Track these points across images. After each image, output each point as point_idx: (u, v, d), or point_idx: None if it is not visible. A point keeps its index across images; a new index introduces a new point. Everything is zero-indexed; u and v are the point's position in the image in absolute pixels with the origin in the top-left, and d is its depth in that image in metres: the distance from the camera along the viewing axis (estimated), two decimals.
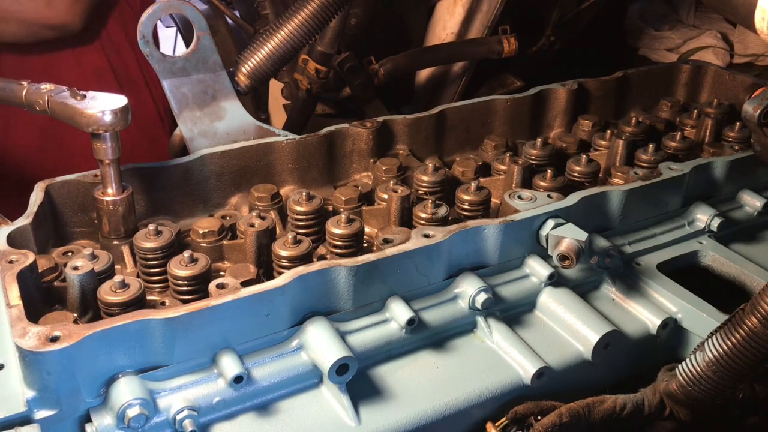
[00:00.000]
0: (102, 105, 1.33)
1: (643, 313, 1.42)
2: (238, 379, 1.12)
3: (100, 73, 2.46)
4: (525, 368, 1.27)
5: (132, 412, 1.06)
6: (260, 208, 1.55)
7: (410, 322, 1.25)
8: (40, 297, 1.27)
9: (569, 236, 1.34)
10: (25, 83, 1.42)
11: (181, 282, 1.27)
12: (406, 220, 1.52)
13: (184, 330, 1.10)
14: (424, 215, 1.44)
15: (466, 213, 1.54)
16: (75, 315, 1.20)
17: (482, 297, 1.30)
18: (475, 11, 2.63)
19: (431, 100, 2.82)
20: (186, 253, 1.27)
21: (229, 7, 2.81)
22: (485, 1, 2.62)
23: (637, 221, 1.56)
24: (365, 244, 1.46)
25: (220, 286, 1.19)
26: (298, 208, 1.47)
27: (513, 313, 1.39)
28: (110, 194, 1.42)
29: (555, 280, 1.40)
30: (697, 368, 1.21)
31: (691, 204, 1.63)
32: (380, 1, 2.60)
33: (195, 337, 1.12)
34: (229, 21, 2.83)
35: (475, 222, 1.35)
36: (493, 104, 1.92)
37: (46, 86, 1.39)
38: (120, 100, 1.35)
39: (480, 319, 1.34)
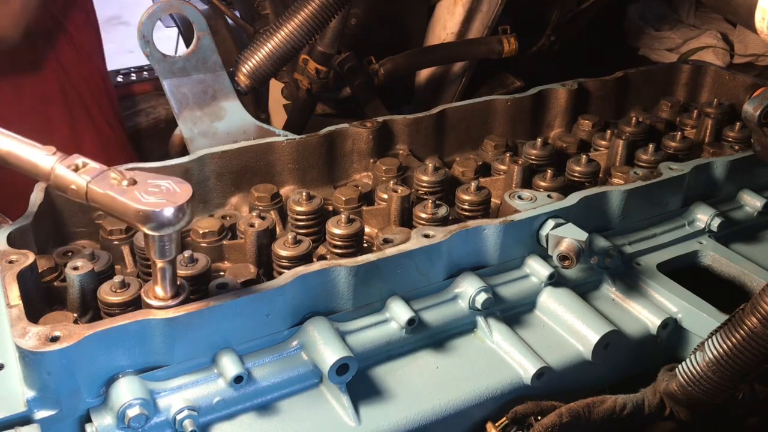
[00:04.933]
0: (159, 198, 1.02)
1: (643, 313, 1.42)
2: (238, 379, 1.12)
3: (46, 101, 2.28)
4: (525, 368, 1.27)
5: (132, 412, 1.06)
6: (260, 208, 1.55)
7: (410, 322, 1.25)
8: (40, 297, 1.27)
9: (569, 236, 1.34)
10: (49, 154, 1.10)
11: None
12: (406, 220, 1.52)
13: (184, 330, 1.10)
14: (424, 215, 1.44)
15: (466, 213, 1.54)
16: (75, 315, 1.19)
17: (482, 297, 1.30)
18: (475, 11, 2.63)
19: (431, 100, 2.82)
20: (186, 253, 1.27)
21: (229, 7, 2.81)
22: (485, 1, 2.61)
23: (637, 221, 1.56)
24: (365, 244, 1.47)
25: (220, 286, 1.20)
26: (298, 208, 1.47)
27: (513, 313, 1.39)
28: (161, 297, 1.14)
29: (555, 280, 1.40)
30: (697, 368, 1.21)
31: (691, 204, 1.63)
32: (380, 1, 2.60)
33: (195, 337, 1.12)
34: (229, 21, 2.83)
35: (475, 222, 1.35)
36: (493, 104, 1.92)
37: (78, 161, 1.08)
38: (183, 189, 1.04)
39: (480, 319, 1.34)
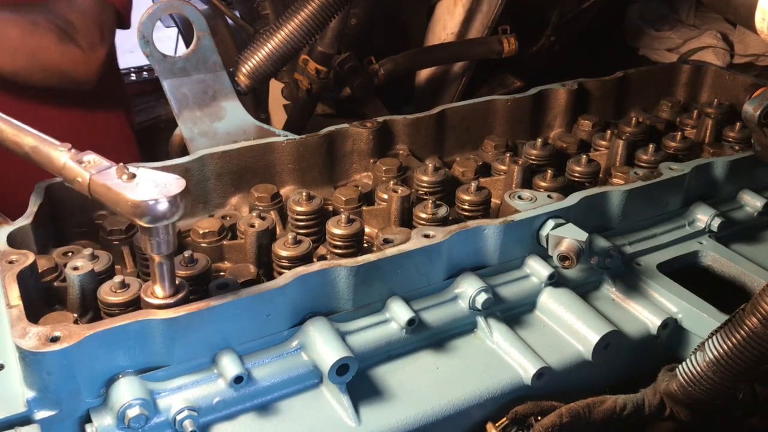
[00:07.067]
0: (153, 190, 1.03)
1: (644, 314, 1.42)
2: (238, 380, 1.12)
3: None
4: (525, 368, 1.27)
5: (132, 413, 1.06)
6: (260, 208, 1.55)
7: (410, 322, 1.25)
8: (40, 297, 1.27)
9: (569, 236, 1.34)
10: (64, 149, 1.13)
11: None
12: (407, 220, 1.52)
13: (184, 330, 1.10)
14: (424, 215, 1.44)
15: (466, 213, 1.54)
16: (75, 315, 1.19)
17: (482, 297, 1.30)
18: (475, 11, 2.64)
19: (431, 100, 2.82)
20: (186, 254, 1.27)
21: (229, 7, 2.81)
22: (485, 1, 2.62)
23: (638, 221, 1.56)
24: (365, 245, 1.46)
25: (221, 286, 1.19)
26: (298, 208, 1.47)
27: (513, 313, 1.39)
28: (160, 296, 1.14)
29: (555, 281, 1.40)
30: (698, 368, 1.21)
31: (692, 204, 1.62)
32: (380, 1, 2.60)
33: (195, 338, 1.12)
34: (229, 21, 2.83)
35: (475, 222, 1.35)
36: (493, 104, 1.92)
37: (89, 158, 1.11)
38: (176, 182, 1.05)
39: (480, 320, 1.34)
